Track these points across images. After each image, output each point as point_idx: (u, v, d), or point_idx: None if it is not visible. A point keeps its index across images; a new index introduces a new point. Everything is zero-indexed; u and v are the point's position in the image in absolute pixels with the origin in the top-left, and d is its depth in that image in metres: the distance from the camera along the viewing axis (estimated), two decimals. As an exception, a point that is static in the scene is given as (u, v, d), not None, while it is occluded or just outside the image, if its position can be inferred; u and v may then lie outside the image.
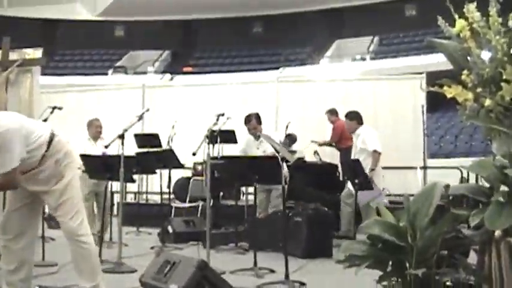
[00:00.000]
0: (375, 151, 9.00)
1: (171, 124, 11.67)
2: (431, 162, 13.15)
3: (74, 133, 12.24)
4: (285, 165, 7.26)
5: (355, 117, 9.41)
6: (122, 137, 6.32)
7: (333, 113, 11.92)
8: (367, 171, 8.70)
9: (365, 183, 8.43)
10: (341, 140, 11.64)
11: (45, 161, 4.79)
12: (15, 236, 4.85)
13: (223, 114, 7.18)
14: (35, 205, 5.00)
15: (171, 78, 25.53)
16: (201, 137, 7.06)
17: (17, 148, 4.51)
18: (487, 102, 3.71)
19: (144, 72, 26.96)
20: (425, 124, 12.24)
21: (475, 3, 4.10)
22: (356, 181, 8.43)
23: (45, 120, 7.23)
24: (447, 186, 3.63)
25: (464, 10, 4.11)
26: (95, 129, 9.23)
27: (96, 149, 8.87)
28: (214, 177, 7.05)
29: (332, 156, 11.76)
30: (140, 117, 6.84)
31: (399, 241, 3.46)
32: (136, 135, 10.95)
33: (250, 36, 29.01)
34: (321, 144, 11.76)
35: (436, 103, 16.38)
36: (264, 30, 29.12)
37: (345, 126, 9.99)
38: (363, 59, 24.89)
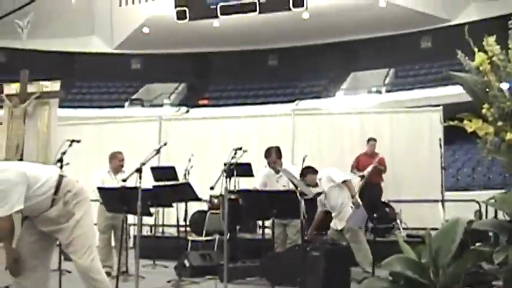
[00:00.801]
0: (344, 181, 8.93)
1: (187, 157, 11.67)
2: (448, 195, 13.02)
3: (91, 165, 12.32)
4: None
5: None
6: (139, 170, 6.31)
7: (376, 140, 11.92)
8: (350, 204, 8.69)
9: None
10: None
11: (55, 203, 4.81)
12: (26, 271, 4.81)
13: (240, 149, 7.16)
14: (46, 241, 4.98)
15: (187, 111, 25.64)
16: (217, 170, 7.04)
17: (14, 197, 4.56)
18: (508, 136, 3.67)
19: (161, 105, 27.10)
20: (442, 157, 12.15)
21: (494, 37, 4.08)
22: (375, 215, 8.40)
23: (63, 153, 7.24)
24: (469, 223, 3.58)
25: (484, 43, 4.09)
26: (118, 162, 9.19)
27: (114, 182, 8.85)
28: (231, 210, 7.00)
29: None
30: (158, 151, 6.83)
31: (422, 278, 3.41)
32: (153, 168, 10.94)
33: (265, 68, 29.09)
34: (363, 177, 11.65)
35: (453, 135, 16.29)
36: (280, 63, 29.21)
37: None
38: (379, 92, 24.86)
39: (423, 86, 23.68)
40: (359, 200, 8.84)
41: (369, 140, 11.96)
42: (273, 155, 8.63)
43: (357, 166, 11.85)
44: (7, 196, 4.54)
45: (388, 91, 24.88)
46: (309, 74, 27.50)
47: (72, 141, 7.65)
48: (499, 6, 23.10)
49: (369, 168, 11.56)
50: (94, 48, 29.60)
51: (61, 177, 4.88)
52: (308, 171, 9.03)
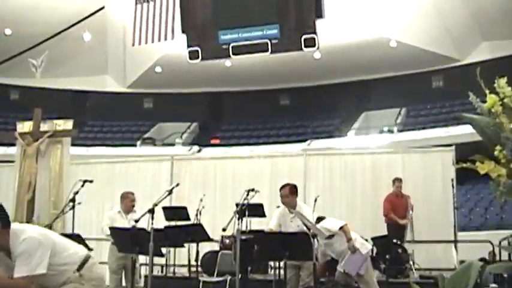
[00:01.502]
0: (341, 227, 8.87)
1: (199, 196, 11.69)
2: (461, 235, 12.94)
3: (102, 204, 12.37)
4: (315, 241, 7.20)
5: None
6: (151, 211, 6.34)
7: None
8: (349, 250, 8.70)
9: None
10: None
11: (71, 281, 4.73)
12: None
13: (253, 190, 7.18)
14: None
15: (199, 150, 25.71)
16: (229, 210, 7.07)
17: (37, 258, 4.47)
18: (521, 177, 3.67)
19: (172, 144, 27.21)
20: (455, 197, 12.11)
21: (505, 78, 4.10)
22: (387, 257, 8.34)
23: (76, 192, 7.29)
24: (483, 266, 3.56)
25: (495, 85, 4.11)
26: (129, 203, 9.20)
27: (125, 222, 8.85)
28: (243, 251, 6.99)
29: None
30: (170, 192, 6.87)
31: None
32: (164, 208, 10.95)
33: (277, 108, 29.17)
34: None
35: (465, 175, 16.23)
36: (291, 103, 29.28)
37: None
38: (391, 131, 24.88)
39: (435, 126, 23.68)
40: (356, 245, 8.78)
41: (394, 181, 11.91)
42: (287, 188, 8.57)
43: (393, 209, 11.75)
44: (30, 256, 4.46)
45: (400, 131, 24.89)
46: (321, 114, 27.58)
47: (85, 181, 7.71)
48: (510, 45, 23.22)
49: (411, 212, 11.57)
50: (107, 87, 29.82)
51: (88, 256, 4.84)
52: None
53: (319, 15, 18.11)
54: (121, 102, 29.32)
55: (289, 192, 8.56)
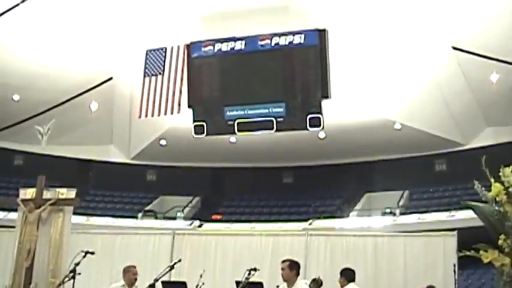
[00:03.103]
0: None
1: (199, 271, 11.60)
2: (462, 322, 12.79)
3: (102, 276, 12.26)
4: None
5: None
6: (152, 286, 6.32)
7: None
8: None
9: None
10: None
11: None
12: None
13: (255, 269, 7.15)
14: None
15: (200, 225, 25.60)
16: (228, 287, 7.02)
17: None
18: (525, 268, 3.68)
19: (174, 218, 27.09)
20: (456, 283, 12.00)
21: (511, 167, 4.14)
22: None
23: (77, 264, 7.27)
24: None
25: (500, 173, 4.15)
26: (132, 276, 9.17)
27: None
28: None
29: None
30: (172, 268, 6.86)
31: None
32: (164, 283, 10.86)
33: (280, 186, 29.12)
34: None
35: (467, 259, 16.10)
36: (294, 181, 29.26)
37: None
38: (393, 213, 24.80)
39: (438, 209, 23.60)
40: None
41: None
42: (286, 264, 8.43)
43: None
44: None
45: (402, 213, 24.79)
46: (324, 193, 27.57)
47: (87, 252, 7.69)
48: (514, 131, 23.41)
49: None
50: (111, 157, 29.78)
51: None
52: None
53: (325, 95, 18.43)
54: (124, 173, 29.32)
55: (288, 267, 8.44)
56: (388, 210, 25.11)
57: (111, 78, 26.20)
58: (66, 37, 23.94)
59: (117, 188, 29.63)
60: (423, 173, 26.28)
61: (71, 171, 28.05)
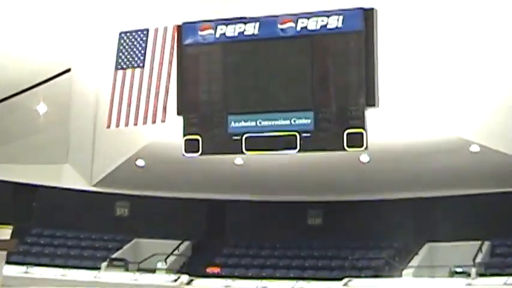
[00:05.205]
0: None
1: None
2: None
3: None
4: None
5: None
6: None
7: None
8: None
9: None
10: None
11: None
12: None
13: None
14: None
15: (190, 282, 25.70)
16: None
17: None
18: None
19: (153, 271, 27.24)
20: None
21: None
22: None
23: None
24: None
25: None
26: None
27: None
28: None
29: None
30: None
31: None
32: None
33: (304, 229, 29.12)
34: None
35: None
36: (324, 223, 29.07)
37: None
38: (466, 274, 24.71)
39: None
40: None
41: None
42: None
43: None
44: None
45: (480, 274, 24.69)
46: (365, 241, 27.67)
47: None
48: None
49: None
50: (65, 182, 29.77)
51: None
52: None
53: (371, 103, 18.48)
54: (83, 205, 29.43)
55: None
56: (458, 269, 25.13)
57: (68, 70, 26.43)
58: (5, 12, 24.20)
59: (72, 226, 29.78)
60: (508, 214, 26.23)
61: (5, 201, 28.20)
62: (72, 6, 24.66)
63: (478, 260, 25.97)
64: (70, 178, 29.85)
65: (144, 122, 22.14)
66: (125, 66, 22.53)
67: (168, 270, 27.48)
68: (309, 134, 18.63)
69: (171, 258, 28.56)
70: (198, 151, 19.54)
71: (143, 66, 22.22)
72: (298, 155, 20.18)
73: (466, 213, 26.52)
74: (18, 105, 26.42)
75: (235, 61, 19.57)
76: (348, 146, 18.03)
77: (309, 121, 18.50)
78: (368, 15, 18.38)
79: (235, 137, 19.25)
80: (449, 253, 26.27)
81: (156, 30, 22.10)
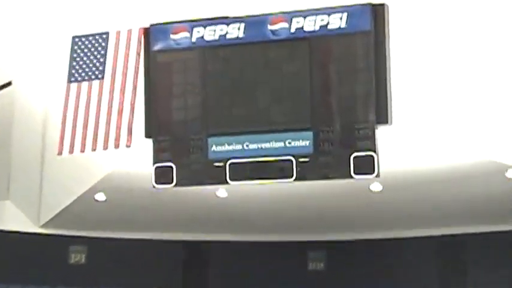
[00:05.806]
0: None
1: None
2: None
3: None
4: None
5: None
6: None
7: None
8: None
9: None
10: None
11: None
12: None
13: None
14: None
15: None
16: None
17: None
18: None
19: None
20: None
21: None
22: None
23: None
24: None
25: None
26: None
27: None
28: None
29: None
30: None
31: None
32: None
33: (303, 274, 29.35)
34: None
35: None
36: (328, 267, 29.32)
37: None
38: None
39: None
40: None
41: None
42: None
43: None
44: None
45: None
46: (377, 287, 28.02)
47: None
48: None
49: None
50: (5, 223, 29.71)
51: None
52: None
53: (383, 120, 18.54)
54: (29, 252, 29.54)
55: None
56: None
57: (9, 83, 26.57)
58: None
59: (15, 279, 29.88)
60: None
61: None
62: (12, 5, 24.91)
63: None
64: (12, 218, 29.77)
65: (105, 147, 22.18)
66: (79, 78, 22.50)
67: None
68: (307, 159, 18.67)
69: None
70: (171, 182, 19.56)
71: (102, 77, 22.22)
72: (294, 185, 20.27)
73: (503, 253, 26.77)
74: None
75: (216, 70, 19.45)
76: (355, 173, 18.07)
77: (307, 143, 18.47)
78: (378, 12, 18.14)
79: (217, 164, 19.32)
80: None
81: (118, 33, 22.13)
